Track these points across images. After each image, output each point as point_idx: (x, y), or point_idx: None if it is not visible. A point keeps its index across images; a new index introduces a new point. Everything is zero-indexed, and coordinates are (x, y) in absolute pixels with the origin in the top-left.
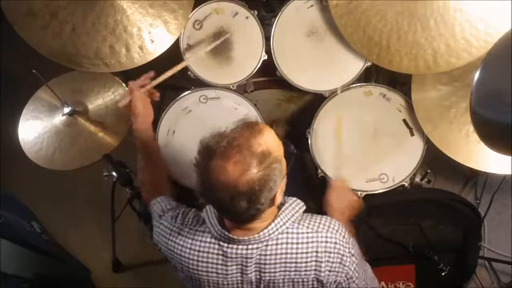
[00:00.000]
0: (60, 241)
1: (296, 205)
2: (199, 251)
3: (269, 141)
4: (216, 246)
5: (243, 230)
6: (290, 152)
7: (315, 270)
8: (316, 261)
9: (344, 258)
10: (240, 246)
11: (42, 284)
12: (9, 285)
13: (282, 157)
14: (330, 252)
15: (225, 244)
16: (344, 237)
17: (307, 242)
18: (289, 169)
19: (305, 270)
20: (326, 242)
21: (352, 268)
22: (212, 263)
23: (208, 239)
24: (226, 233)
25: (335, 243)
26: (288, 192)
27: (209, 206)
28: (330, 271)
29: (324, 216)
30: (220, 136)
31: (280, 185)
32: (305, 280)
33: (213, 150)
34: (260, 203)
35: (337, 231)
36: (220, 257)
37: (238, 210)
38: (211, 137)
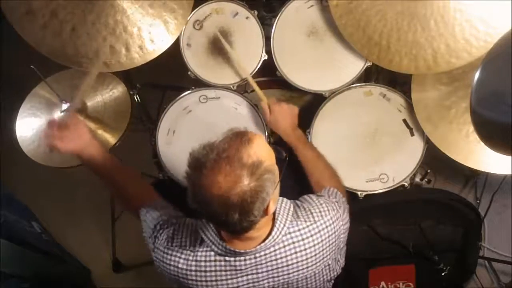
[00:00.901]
0: (60, 241)
1: (286, 205)
2: (205, 271)
3: (259, 150)
4: (223, 263)
5: (241, 241)
6: (281, 159)
7: (323, 258)
8: (322, 250)
9: (342, 231)
10: (247, 257)
11: (42, 284)
12: (9, 285)
13: (274, 165)
14: (331, 234)
15: (232, 258)
16: (335, 210)
17: (312, 235)
18: (281, 176)
19: (316, 262)
20: (327, 227)
21: (345, 230)
22: (222, 280)
23: (212, 258)
24: (231, 248)
25: (332, 222)
26: (285, 193)
27: (202, 223)
28: (334, 249)
29: (311, 203)
30: (209, 147)
31: (273, 195)
32: (316, 272)
33: (202, 163)
34: (253, 215)
35: (327, 210)
36: (229, 272)
37: (231, 222)
38: (200, 149)
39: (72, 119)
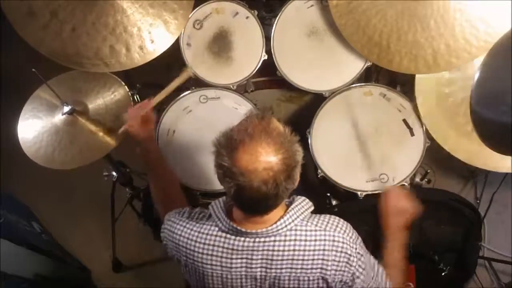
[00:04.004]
0: (60, 241)
1: (305, 204)
2: (204, 243)
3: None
4: (222, 239)
5: (254, 224)
6: None
7: (321, 268)
8: (322, 259)
9: (352, 258)
10: (247, 239)
11: (42, 284)
12: (9, 285)
13: None
14: (337, 251)
15: (232, 237)
16: (351, 237)
17: (315, 240)
18: None
19: (311, 268)
20: (333, 241)
21: (359, 269)
22: (217, 256)
23: (215, 232)
24: (235, 225)
25: (343, 242)
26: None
27: (215, 202)
28: (336, 270)
29: (332, 216)
30: (236, 128)
31: None
32: (310, 278)
33: (239, 141)
34: (293, 180)
35: (344, 231)
36: (225, 250)
37: (273, 192)
38: (225, 133)
39: (152, 117)
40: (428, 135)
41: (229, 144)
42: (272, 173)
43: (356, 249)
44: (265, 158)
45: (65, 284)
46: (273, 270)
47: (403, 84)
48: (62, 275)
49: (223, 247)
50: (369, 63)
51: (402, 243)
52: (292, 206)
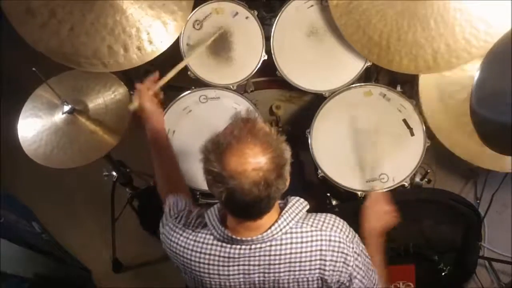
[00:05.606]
0: (60, 241)
1: (299, 205)
2: (200, 252)
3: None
4: (218, 248)
5: (248, 231)
6: None
7: (320, 268)
8: (320, 259)
9: (348, 258)
10: (243, 246)
11: (42, 284)
12: (9, 285)
13: None
14: (333, 251)
15: (228, 245)
16: (348, 236)
17: (311, 241)
18: None
19: (310, 269)
20: (330, 240)
21: (357, 269)
22: (214, 264)
23: (210, 241)
24: (229, 234)
25: (339, 241)
26: (287, 192)
27: (210, 210)
28: (334, 270)
29: (328, 215)
30: (222, 133)
31: None
32: (310, 279)
33: (227, 144)
34: (284, 179)
35: (341, 230)
36: (221, 258)
37: (265, 194)
38: (212, 139)
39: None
40: (428, 135)
41: (217, 149)
42: (262, 173)
43: (353, 248)
44: (253, 159)
45: (65, 284)
46: (271, 274)
47: (403, 84)
48: (62, 275)
49: (219, 256)
50: (369, 63)
51: (378, 248)
52: (286, 209)
